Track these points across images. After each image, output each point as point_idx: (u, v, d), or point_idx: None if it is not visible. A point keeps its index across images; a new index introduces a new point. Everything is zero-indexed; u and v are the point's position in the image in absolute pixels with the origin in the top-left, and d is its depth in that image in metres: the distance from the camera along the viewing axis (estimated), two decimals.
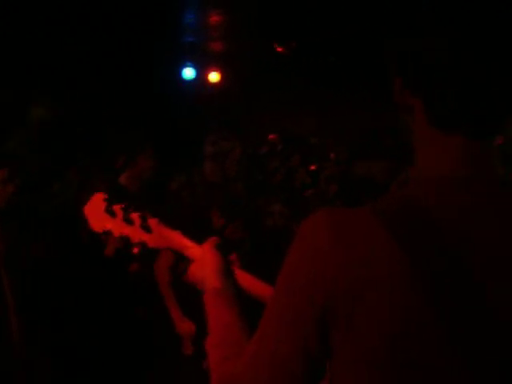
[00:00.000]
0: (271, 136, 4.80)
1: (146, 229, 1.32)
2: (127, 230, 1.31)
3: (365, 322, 0.80)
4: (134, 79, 7.50)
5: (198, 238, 1.34)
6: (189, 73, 8.19)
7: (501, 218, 0.86)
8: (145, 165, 4.08)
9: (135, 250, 1.31)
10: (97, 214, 1.33)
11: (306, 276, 0.85)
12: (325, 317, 0.83)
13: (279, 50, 6.54)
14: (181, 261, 1.32)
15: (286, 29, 6.43)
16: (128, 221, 1.31)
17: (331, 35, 6.27)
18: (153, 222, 1.32)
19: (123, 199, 1.37)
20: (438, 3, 0.89)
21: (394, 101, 0.96)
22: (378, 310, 0.79)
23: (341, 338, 0.83)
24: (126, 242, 1.31)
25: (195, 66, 8.23)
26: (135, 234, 1.31)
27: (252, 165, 4.66)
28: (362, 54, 5.23)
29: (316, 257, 0.84)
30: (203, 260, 1.26)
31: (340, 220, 0.86)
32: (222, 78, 8.38)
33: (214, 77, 8.36)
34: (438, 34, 0.88)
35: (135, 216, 1.32)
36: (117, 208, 1.33)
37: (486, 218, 0.85)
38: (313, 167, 6.45)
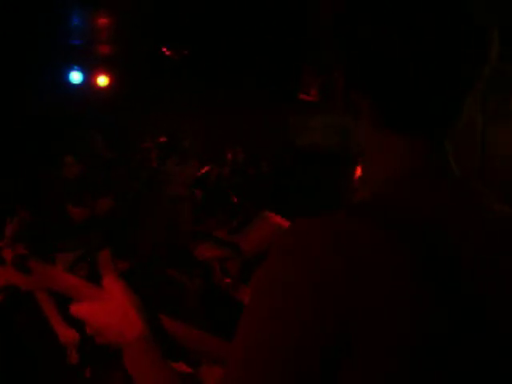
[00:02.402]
0: (145, 144, 4.81)
1: (23, 269, 1.16)
2: None
3: (385, 350, 0.69)
4: (18, 83, 7.17)
5: None
6: (76, 77, 7.94)
7: (478, 217, 0.82)
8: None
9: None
10: None
11: (309, 301, 0.69)
12: (335, 352, 0.69)
13: (168, 54, 6.46)
14: None
15: (175, 33, 6.36)
16: None
17: (220, 39, 6.27)
18: (32, 262, 1.15)
19: None
20: None
21: (341, 102, 0.87)
22: (399, 333, 0.69)
23: (354, 372, 0.70)
24: None
25: (82, 70, 7.99)
26: (3, 276, 1.16)
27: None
28: (252, 56, 5.28)
29: (315, 269, 0.69)
30: (112, 303, 1.05)
31: (339, 231, 0.72)
32: (111, 81, 8.17)
33: (102, 80, 8.14)
34: (389, 22, 0.77)
35: (7, 253, 1.18)
36: None
37: (467, 217, 0.80)
38: (203, 170, 6.44)
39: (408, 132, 0.83)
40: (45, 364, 3.40)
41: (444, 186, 0.82)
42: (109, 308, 1.04)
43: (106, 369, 3.14)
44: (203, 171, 6.46)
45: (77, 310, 1.06)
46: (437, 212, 0.78)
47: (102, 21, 6.85)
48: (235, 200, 4.02)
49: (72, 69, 7.91)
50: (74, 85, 7.97)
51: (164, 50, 6.50)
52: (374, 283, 0.69)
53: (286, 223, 3.74)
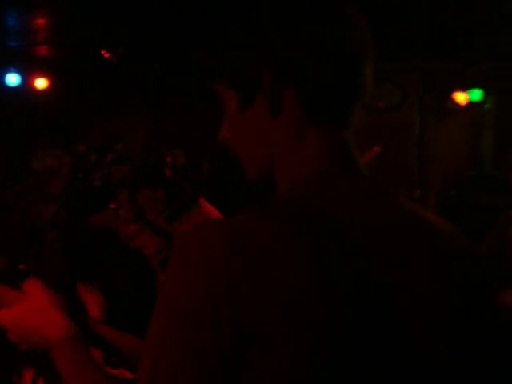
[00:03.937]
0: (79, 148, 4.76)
1: None
2: None
3: (281, 340, 0.70)
4: None
5: None
6: (13, 79, 7.76)
7: (382, 216, 0.84)
8: None
9: None
10: None
11: (204, 294, 0.71)
12: (234, 341, 0.70)
13: (106, 56, 6.39)
14: None
15: (113, 35, 6.30)
16: None
17: (156, 43, 6.24)
18: None
19: None
20: None
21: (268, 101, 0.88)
22: (294, 327, 0.71)
23: (255, 364, 0.71)
24: None
25: (20, 72, 7.81)
26: None
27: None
28: (185, 61, 5.28)
29: (215, 270, 0.72)
30: (33, 304, 1.05)
31: (235, 228, 0.75)
32: (50, 84, 8.01)
33: (41, 83, 7.97)
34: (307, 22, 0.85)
35: None
36: None
37: (373, 215, 0.83)
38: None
39: (320, 124, 0.86)
40: None
41: (348, 185, 0.85)
42: (30, 310, 1.05)
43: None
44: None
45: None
46: (339, 211, 0.80)
47: (40, 22, 6.71)
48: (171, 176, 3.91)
49: (9, 71, 7.72)
50: (11, 87, 7.78)
51: (103, 52, 6.42)
52: (271, 279, 0.71)
53: (215, 213, 3.66)
